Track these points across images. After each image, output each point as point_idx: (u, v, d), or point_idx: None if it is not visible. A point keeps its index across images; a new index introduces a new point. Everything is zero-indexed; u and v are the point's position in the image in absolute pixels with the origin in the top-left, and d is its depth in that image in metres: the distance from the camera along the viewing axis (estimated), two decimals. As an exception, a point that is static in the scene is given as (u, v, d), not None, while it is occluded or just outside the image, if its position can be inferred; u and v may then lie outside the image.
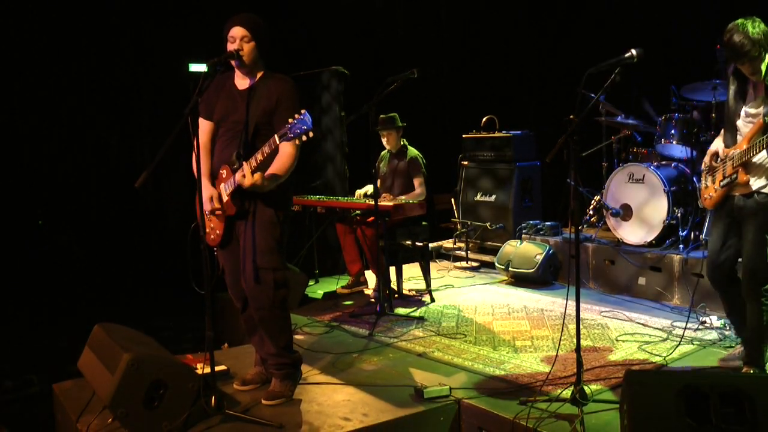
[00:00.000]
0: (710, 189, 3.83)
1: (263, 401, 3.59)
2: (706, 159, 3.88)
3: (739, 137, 3.65)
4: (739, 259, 3.73)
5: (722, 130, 3.87)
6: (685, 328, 4.48)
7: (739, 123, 3.65)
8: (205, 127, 3.68)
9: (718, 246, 3.78)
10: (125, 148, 8.43)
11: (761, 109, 3.53)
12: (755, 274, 3.59)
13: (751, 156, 3.53)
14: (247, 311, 3.73)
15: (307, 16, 8.83)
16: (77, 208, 8.20)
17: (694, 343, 4.38)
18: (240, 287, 3.62)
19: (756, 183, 3.58)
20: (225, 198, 3.53)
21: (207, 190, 3.57)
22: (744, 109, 3.63)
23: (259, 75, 3.59)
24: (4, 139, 7.75)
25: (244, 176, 3.35)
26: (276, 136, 3.25)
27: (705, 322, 4.72)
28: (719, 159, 3.77)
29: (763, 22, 3.46)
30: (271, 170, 3.43)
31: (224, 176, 3.54)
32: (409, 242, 5.80)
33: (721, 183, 3.73)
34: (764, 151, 3.48)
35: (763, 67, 3.50)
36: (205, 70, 3.33)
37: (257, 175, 3.34)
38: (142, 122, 8.45)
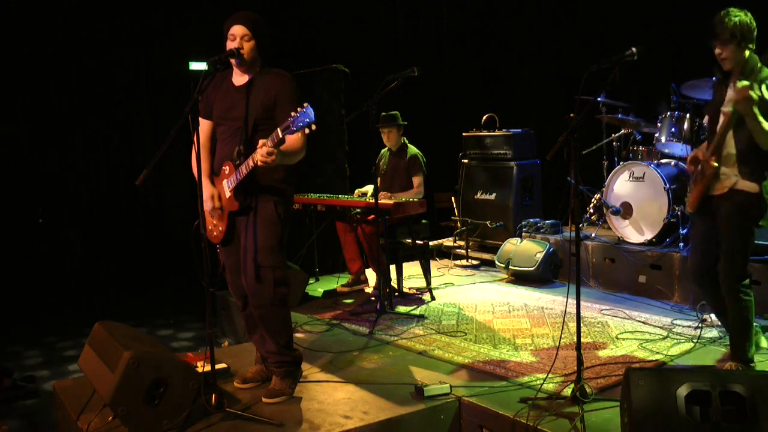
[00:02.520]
0: (693, 193, 3.83)
1: (264, 399, 3.59)
2: (689, 167, 3.87)
3: None
4: None
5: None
6: (688, 327, 4.49)
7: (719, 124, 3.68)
8: (204, 125, 3.68)
9: (702, 248, 3.78)
10: (126, 147, 8.43)
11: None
12: (734, 273, 3.61)
13: (720, 142, 3.56)
14: (247, 309, 3.73)
15: (308, 14, 8.83)
16: (78, 207, 8.21)
17: (695, 341, 4.39)
18: (241, 285, 3.61)
19: (729, 179, 3.59)
20: (228, 194, 3.53)
21: (207, 189, 3.57)
22: (722, 110, 3.65)
23: (257, 71, 3.59)
24: (5, 138, 7.76)
25: (264, 146, 3.21)
26: (279, 129, 3.23)
27: (705, 320, 4.72)
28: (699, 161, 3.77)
29: (754, 18, 3.49)
30: (283, 148, 3.35)
31: (227, 172, 3.53)
32: (409, 240, 5.80)
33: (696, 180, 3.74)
34: (732, 138, 3.54)
35: (740, 60, 3.52)
36: (206, 68, 3.33)
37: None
38: (143, 121, 8.46)
